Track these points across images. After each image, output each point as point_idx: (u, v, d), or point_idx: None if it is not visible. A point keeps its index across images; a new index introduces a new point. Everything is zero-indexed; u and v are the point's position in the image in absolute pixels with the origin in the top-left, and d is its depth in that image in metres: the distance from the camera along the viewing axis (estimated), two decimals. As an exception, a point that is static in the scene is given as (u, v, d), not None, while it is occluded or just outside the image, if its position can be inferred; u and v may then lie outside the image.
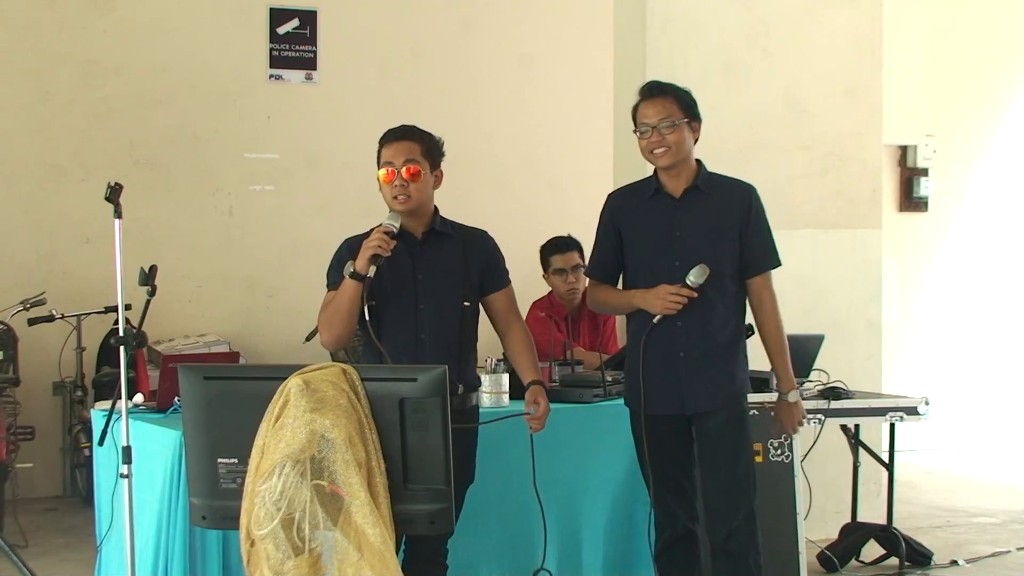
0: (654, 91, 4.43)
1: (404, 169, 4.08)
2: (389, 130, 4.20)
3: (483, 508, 4.58)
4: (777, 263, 4.54)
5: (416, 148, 4.12)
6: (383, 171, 4.11)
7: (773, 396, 5.33)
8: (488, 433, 4.31)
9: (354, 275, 3.97)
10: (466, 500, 4.14)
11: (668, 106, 4.37)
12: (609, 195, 4.63)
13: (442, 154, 4.22)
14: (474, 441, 4.21)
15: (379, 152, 4.16)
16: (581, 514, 5.09)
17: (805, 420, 4.73)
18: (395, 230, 4.02)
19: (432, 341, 4.09)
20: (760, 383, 5.34)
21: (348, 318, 4.01)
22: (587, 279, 4.76)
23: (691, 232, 4.38)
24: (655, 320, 4.32)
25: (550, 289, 6.56)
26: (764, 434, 5.31)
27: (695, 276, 4.28)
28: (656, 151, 4.36)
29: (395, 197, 4.09)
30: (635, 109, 4.45)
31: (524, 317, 6.31)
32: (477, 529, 4.60)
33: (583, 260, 6.44)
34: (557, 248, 6.50)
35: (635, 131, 4.44)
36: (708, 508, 4.43)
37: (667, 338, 4.36)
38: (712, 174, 4.50)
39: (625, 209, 4.51)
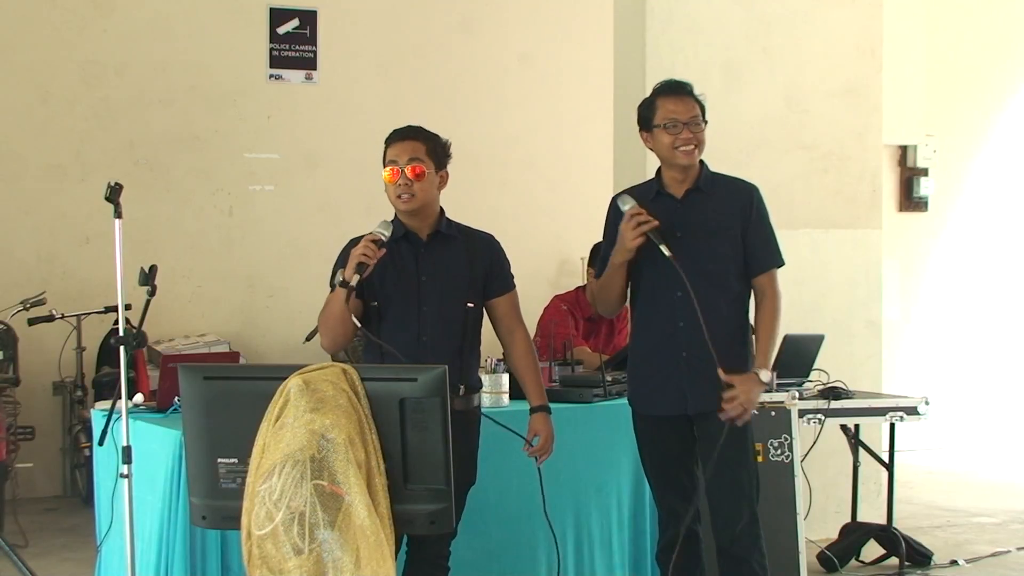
0: (683, 89, 4.41)
1: (408, 168, 4.05)
2: (395, 130, 4.18)
3: (485, 510, 4.57)
4: (780, 262, 4.52)
5: (421, 147, 4.10)
6: (387, 170, 4.09)
7: (771, 396, 5.31)
8: (491, 434, 4.31)
9: (341, 283, 3.95)
10: (468, 501, 4.13)
11: (695, 105, 4.37)
12: (613, 197, 4.58)
13: (448, 155, 4.19)
14: (476, 442, 4.20)
15: (384, 152, 4.14)
16: (582, 515, 5.09)
17: (756, 411, 4.38)
18: (384, 238, 3.99)
19: (434, 343, 4.07)
20: None
21: (339, 324, 3.99)
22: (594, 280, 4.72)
23: (691, 232, 4.36)
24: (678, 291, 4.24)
25: (579, 286, 6.59)
26: (764, 434, 5.31)
27: (622, 204, 4.28)
28: (685, 148, 4.32)
29: (399, 196, 4.07)
30: (653, 104, 4.39)
31: (544, 308, 6.35)
32: (479, 531, 4.59)
33: None
34: None
35: (648, 129, 4.37)
36: (713, 510, 4.41)
37: (670, 339, 4.34)
38: (715, 174, 4.48)
39: None
